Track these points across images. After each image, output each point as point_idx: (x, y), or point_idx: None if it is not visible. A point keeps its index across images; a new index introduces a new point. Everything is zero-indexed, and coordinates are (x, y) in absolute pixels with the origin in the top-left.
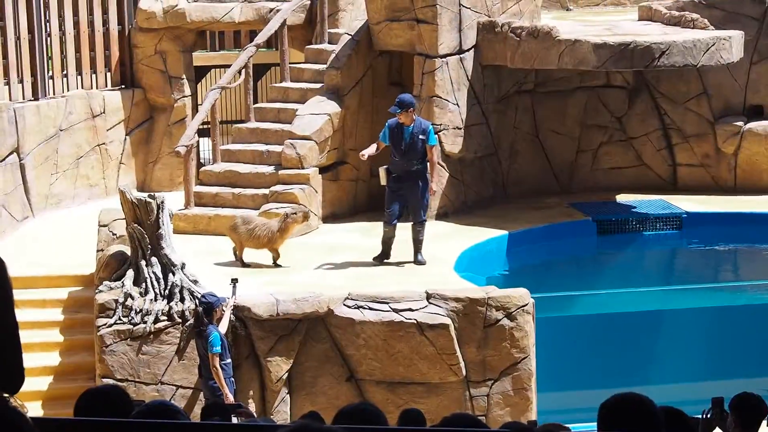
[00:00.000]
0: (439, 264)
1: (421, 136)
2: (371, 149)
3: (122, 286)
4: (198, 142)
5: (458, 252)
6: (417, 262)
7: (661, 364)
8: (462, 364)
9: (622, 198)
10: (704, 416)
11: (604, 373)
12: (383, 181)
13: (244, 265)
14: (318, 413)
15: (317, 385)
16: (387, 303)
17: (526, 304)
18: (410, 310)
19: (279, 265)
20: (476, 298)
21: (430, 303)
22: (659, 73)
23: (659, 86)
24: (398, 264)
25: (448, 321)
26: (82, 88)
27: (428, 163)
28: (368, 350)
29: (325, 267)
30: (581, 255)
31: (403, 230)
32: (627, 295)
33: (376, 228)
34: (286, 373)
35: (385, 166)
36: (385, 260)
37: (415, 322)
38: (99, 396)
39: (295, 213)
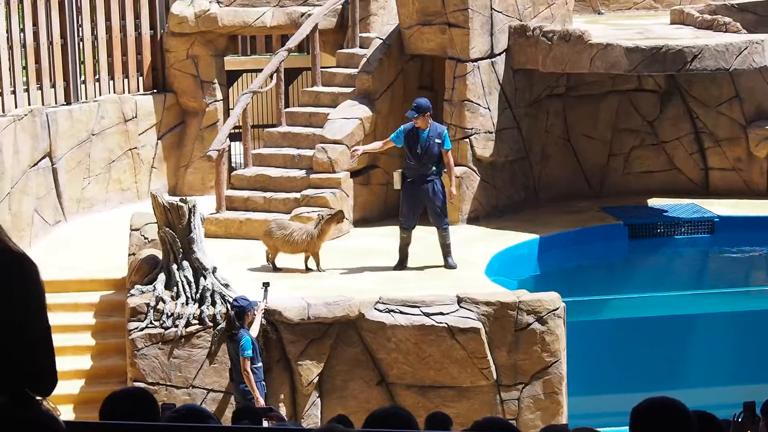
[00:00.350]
0: (470, 268)
1: (437, 140)
2: (373, 146)
3: (154, 290)
4: (229, 146)
5: (489, 256)
6: (447, 266)
7: (693, 368)
8: (493, 368)
9: (654, 202)
10: (735, 420)
11: (635, 377)
12: (397, 185)
13: (276, 269)
14: (346, 416)
15: (348, 388)
16: (418, 307)
17: (557, 308)
18: (441, 314)
19: (322, 270)
20: (507, 302)
21: (461, 307)
22: (691, 77)
23: (691, 90)
24: (423, 268)
25: (479, 325)
26: (115, 92)
27: (444, 167)
28: (399, 354)
29: (356, 271)
30: (612, 259)
31: (430, 234)
32: (658, 299)
33: None
34: (317, 377)
35: (399, 170)
36: (404, 267)
37: (446, 326)
38: (124, 399)
39: (330, 214)
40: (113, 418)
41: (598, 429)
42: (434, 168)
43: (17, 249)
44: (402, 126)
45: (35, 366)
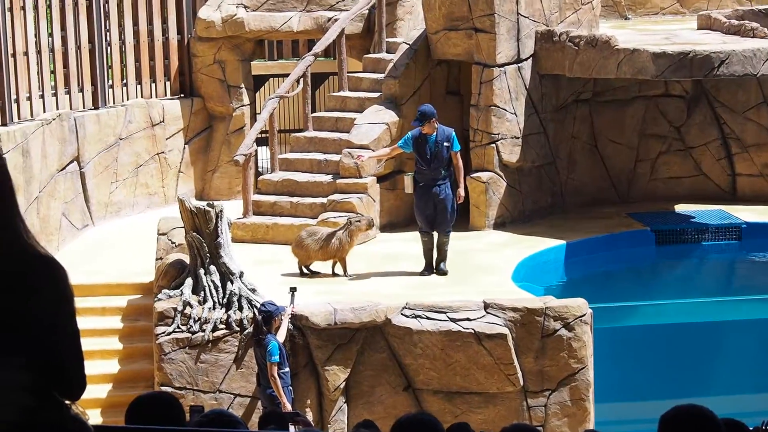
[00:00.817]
0: (497, 273)
1: (445, 144)
2: (381, 152)
3: (181, 295)
4: (256, 151)
5: (516, 261)
6: (439, 271)
7: (721, 375)
8: (519, 374)
9: (681, 208)
10: (763, 427)
11: (663, 384)
12: (408, 189)
13: (314, 273)
14: (373, 422)
15: (374, 394)
16: (445, 312)
17: (584, 314)
18: (468, 319)
19: (349, 275)
20: (534, 308)
21: (487, 313)
22: (718, 83)
23: (718, 95)
24: (441, 273)
25: (505, 331)
26: (142, 97)
27: (455, 170)
28: (426, 360)
29: (383, 276)
30: (639, 265)
31: (456, 239)
32: (685, 305)
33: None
34: (344, 382)
35: (410, 174)
36: (431, 272)
37: (473, 331)
38: (150, 403)
39: (359, 220)
40: (139, 423)
41: None
42: (444, 172)
43: (46, 253)
44: (409, 132)
45: (64, 370)
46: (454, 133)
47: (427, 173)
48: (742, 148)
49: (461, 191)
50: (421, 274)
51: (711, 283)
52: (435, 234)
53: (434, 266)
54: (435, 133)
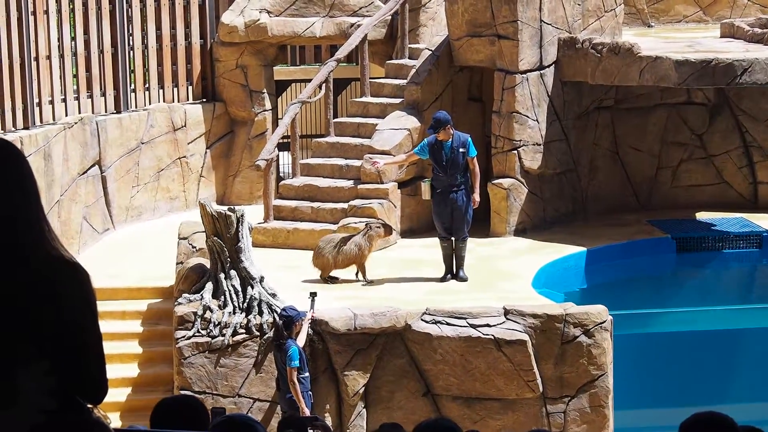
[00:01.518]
0: (517, 280)
1: (461, 150)
2: (397, 158)
3: (201, 299)
4: (278, 156)
5: (536, 268)
6: (459, 278)
7: (741, 382)
8: (539, 381)
9: (702, 216)
10: None
11: (682, 392)
12: (426, 196)
13: (335, 280)
14: (399, 424)
15: (394, 399)
16: (464, 318)
17: (604, 321)
18: (488, 326)
19: (370, 281)
20: (554, 314)
21: (507, 319)
22: (741, 91)
23: (741, 103)
24: (460, 280)
25: (525, 337)
26: (164, 101)
27: (471, 175)
28: (445, 365)
29: (403, 282)
30: (660, 273)
31: (477, 245)
32: (706, 313)
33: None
34: (363, 388)
35: (427, 180)
36: (451, 278)
37: (493, 337)
38: (175, 406)
39: (378, 226)
40: (164, 426)
41: None
42: (461, 177)
43: (70, 257)
44: (425, 139)
45: (87, 374)
46: (470, 139)
47: (443, 180)
48: (764, 156)
49: (476, 196)
50: (441, 280)
51: (731, 290)
52: (454, 240)
53: (455, 272)
54: (451, 140)
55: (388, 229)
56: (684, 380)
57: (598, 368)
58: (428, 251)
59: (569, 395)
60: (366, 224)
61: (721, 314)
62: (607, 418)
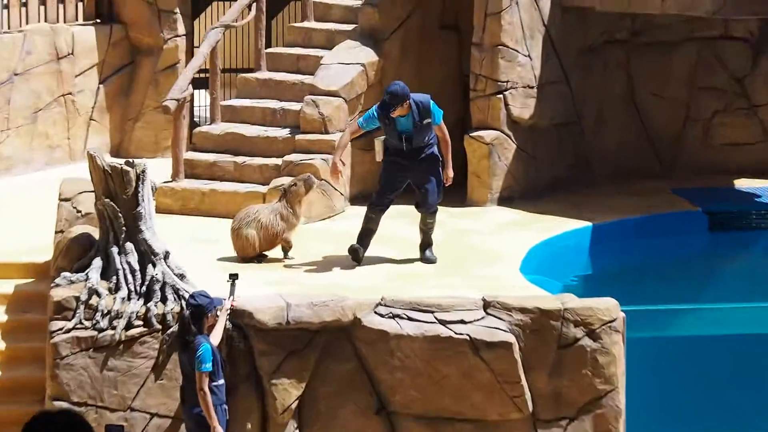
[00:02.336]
0: (501, 263)
1: (426, 121)
2: (342, 142)
3: (86, 280)
4: (192, 95)
5: (526, 248)
6: (425, 259)
7: None
8: (528, 397)
9: (742, 184)
10: None
11: (713, 412)
12: (379, 156)
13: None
14: None
15: (337, 417)
16: (432, 312)
17: (615, 320)
18: (462, 322)
19: (290, 258)
20: (549, 309)
21: (487, 314)
22: None
23: None
24: (427, 261)
25: (511, 338)
26: (46, 21)
27: (440, 144)
28: (405, 374)
29: (351, 262)
30: (687, 257)
31: (448, 217)
32: (746, 311)
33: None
34: (296, 401)
35: (381, 138)
36: (358, 259)
37: (468, 338)
38: (52, 425)
39: (295, 184)
40: None
41: None
42: (429, 140)
43: None
44: (374, 107)
45: None
46: (431, 102)
47: (400, 148)
48: None
49: (449, 171)
50: (350, 252)
51: None
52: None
53: (360, 254)
54: (409, 113)
55: (309, 183)
56: (718, 399)
57: (606, 381)
58: (385, 222)
59: (568, 417)
60: (281, 188)
61: (764, 313)
62: None
